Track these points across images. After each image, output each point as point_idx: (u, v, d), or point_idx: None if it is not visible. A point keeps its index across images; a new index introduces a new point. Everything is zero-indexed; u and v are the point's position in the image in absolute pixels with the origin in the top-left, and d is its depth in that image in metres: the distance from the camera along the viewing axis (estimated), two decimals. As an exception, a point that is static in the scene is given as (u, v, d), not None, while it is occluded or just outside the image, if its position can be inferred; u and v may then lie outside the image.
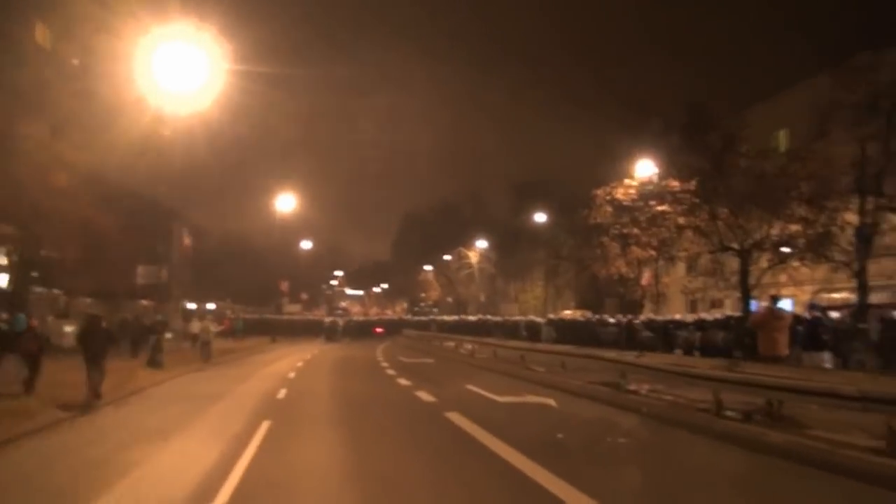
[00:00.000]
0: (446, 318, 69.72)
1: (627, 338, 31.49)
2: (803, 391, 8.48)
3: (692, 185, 33.19)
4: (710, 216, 31.89)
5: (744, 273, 32.19)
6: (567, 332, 38.67)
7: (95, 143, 24.83)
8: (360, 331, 63.68)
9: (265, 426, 10.89)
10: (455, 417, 11.54)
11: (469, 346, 29.47)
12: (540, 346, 22.64)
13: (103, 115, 23.26)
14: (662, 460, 8.71)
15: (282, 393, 15.84)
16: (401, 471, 8.12)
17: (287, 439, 10.07)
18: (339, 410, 13.31)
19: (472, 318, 59.22)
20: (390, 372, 21.93)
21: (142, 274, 24.01)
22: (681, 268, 49.65)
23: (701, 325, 28.72)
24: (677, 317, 33.79)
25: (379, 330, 65.82)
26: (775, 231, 31.84)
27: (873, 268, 26.10)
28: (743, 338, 25.09)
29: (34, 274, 32.80)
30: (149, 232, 24.42)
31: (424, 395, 14.79)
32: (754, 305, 35.12)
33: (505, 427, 10.55)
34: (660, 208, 35.66)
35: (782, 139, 38.50)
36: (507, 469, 7.85)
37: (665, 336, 30.01)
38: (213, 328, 29.33)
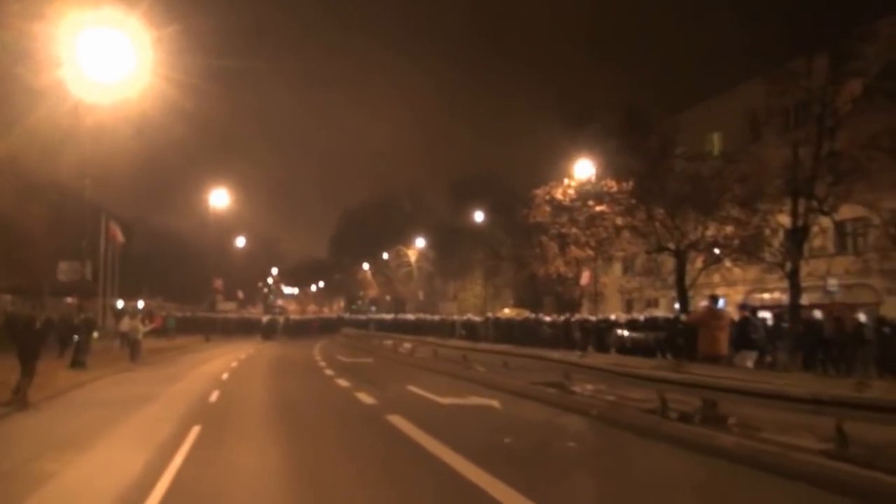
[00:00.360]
0: (385, 316, 69.17)
1: (565, 337, 31.59)
2: (753, 393, 8.36)
3: (629, 185, 33.62)
4: (647, 217, 32.29)
5: (680, 273, 32.71)
6: (506, 331, 38.74)
7: (12, 130, 23.38)
8: (299, 329, 62.74)
9: (195, 431, 10.28)
10: (396, 420, 11.11)
11: (409, 346, 29.04)
12: (481, 345, 22.39)
13: (21, 98, 21.89)
14: (612, 465, 8.47)
15: (214, 395, 15.11)
16: (339, 479, 7.67)
17: (218, 446, 9.48)
18: (275, 414, 12.72)
19: (411, 316, 58.77)
20: (329, 372, 21.35)
21: (63, 270, 22.75)
22: (618, 268, 50.37)
23: (633, 325, 28.98)
24: (612, 317, 34.07)
25: (316, 325, 65.33)
26: (710, 232, 32.50)
27: (805, 268, 26.79)
28: (675, 338, 25.29)
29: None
30: (75, 227, 23.07)
31: (364, 397, 14.30)
32: (691, 305, 35.82)
33: (448, 430, 10.20)
34: (598, 208, 35.99)
35: (716, 142, 39.32)
36: (452, 476, 7.48)
37: (598, 336, 30.16)
38: (143, 327, 28.17)
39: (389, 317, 65.98)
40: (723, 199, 30.60)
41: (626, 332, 26.21)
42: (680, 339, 23.29)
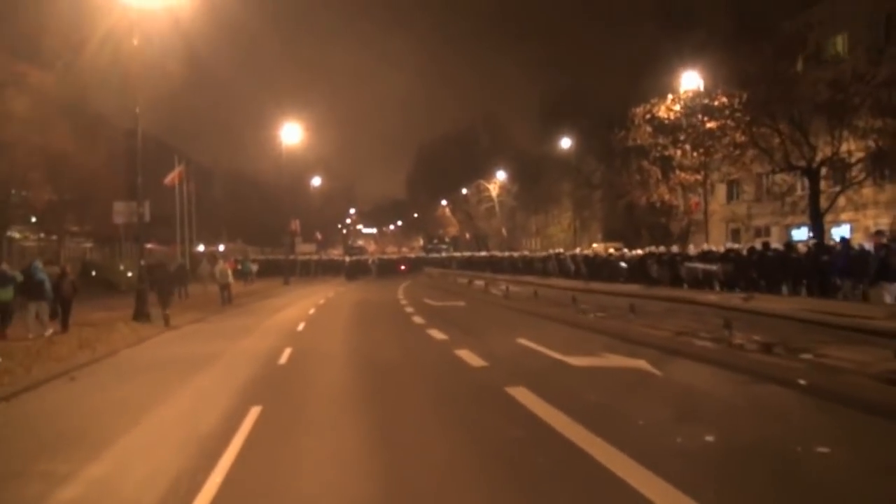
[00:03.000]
0: (470, 254, 66.13)
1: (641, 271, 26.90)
2: None
3: (745, 97, 29.11)
4: (773, 130, 27.88)
5: (814, 195, 28.29)
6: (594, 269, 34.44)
7: (59, 60, 21.05)
8: (384, 269, 61.03)
9: (252, 415, 7.54)
10: (522, 396, 8.06)
11: (504, 287, 26.00)
12: (596, 285, 19.10)
13: (66, 18, 19.43)
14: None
15: (285, 355, 12.42)
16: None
17: (279, 442, 6.63)
18: (358, 386, 9.78)
19: (499, 254, 55.00)
20: (418, 320, 18.49)
21: (119, 211, 20.44)
22: (721, 193, 45.68)
23: (706, 257, 23.88)
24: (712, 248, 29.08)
25: (403, 268, 63.02)
26: (847, 147, 27.90)
27: None
28: (748, 270, 19.91)
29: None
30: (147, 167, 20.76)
31: (468, 356, 11.27)
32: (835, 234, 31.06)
33: (603, 414, 7.11)
34: (710, 125, 31.61)
35: (840, 45, 33.98)
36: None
37: (671, 268, 25.34)
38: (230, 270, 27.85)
39: (478, 255, 62.89)
40: (864, 106, 26.01)
41: (699, 265, 21.70)
42: (753, 271, 19.01)
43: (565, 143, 51.75)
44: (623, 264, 30.94)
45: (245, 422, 7.33)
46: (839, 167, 28.05)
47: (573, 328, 15.06)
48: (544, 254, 46.48)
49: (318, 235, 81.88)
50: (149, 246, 53.33)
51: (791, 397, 7.80)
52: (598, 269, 31.32)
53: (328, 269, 63.75)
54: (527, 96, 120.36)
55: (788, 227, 39.92)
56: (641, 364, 9.96)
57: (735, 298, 11.63)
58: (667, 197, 37.18)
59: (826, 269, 17.09)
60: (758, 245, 22.63)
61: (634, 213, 43.44)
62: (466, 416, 7.54)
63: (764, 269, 18.67)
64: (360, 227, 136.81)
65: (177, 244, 47.46)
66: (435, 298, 26.65)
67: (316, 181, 76.05)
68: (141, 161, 20.47)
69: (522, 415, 7.28)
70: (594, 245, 50.83)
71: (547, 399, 7.75)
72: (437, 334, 14.75)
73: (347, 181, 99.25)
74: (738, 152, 29.39)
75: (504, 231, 74.16)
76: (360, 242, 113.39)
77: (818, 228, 27.79)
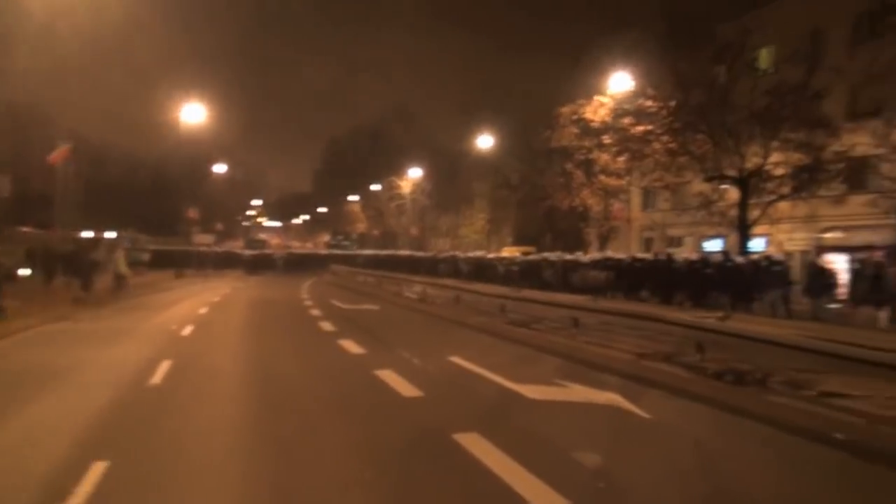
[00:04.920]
0: (375, 252, 63.45)
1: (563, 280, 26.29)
2: None
3: (675, 102, 28.06)
4: (707, 137, 26.86)
5: (743, 206, 27.46)
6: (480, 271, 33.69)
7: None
8: (291, 265, 57.71)
9: (93, 477, 5.06)
10: (481, 450, 5.87)
11: (420, 289, 23.81)
12: (531, 293, 17.19)
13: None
14: None
15: (160, 371, 9.77)
16: None
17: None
18: (249, 425, 7.29)
19: (418, 253, 52.49)
20: (327, 326, 16.01)
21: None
22: (636, 201, 45.08)
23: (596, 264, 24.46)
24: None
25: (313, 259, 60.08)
26: (774, 158, 27.19)
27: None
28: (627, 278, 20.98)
29: None
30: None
31: (395, 381, 8.97)
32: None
33: (614, 497, 5.02)
34: (640, 128, 30.46)
35: (767, 57, 33.59)
36: None
37: (564, 274, 25.58)
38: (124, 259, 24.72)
39: (384, 253, 60.36)
40: (795, 118, 25.33)
41: (592, 272, 22.24)
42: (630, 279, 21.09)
43: (486, 141, 50.08)
44: (514, 267, 30.55)
45: (77, 492, 4.84)
46: (768, 178, 27.31)
47: (511, 343, 12.99)
48: (447, 254, 44.63)
49: (219, 226, 77.50)
50: (24, 229, 48.42)
51: (839, 461, 5.93)
52: (483, 270, 30.98)
53: (227, 263, 59.74)
54: (448, 91, 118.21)
55: (702, 238, 39.59)
56: (615, 399, 7.96)
57: (709, 318, 9.83)
58: (589, 201, 35.95)
59: (705, 280, 17.28)
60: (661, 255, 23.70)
61: (554, 217, 42.18)
62: (408, 488, 5.26)
63: (640, 278, 19.81)
64: (263, 220, 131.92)
65: (57, 228, 43.05)
66: (344, 300, 24.17)
67: (219, 168, 71.76)
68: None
69: (490, 489, 5.07)
70: (505, 249, 49.39)
71: (516, 457, 5.60)
72: (351, 347, 12.35)
73: (253, 171, 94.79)
74: (668, 158, 28.27)
75: (415, 230, 72.09)
76: (263, 236, 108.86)
77: (745, 239, 26.97)
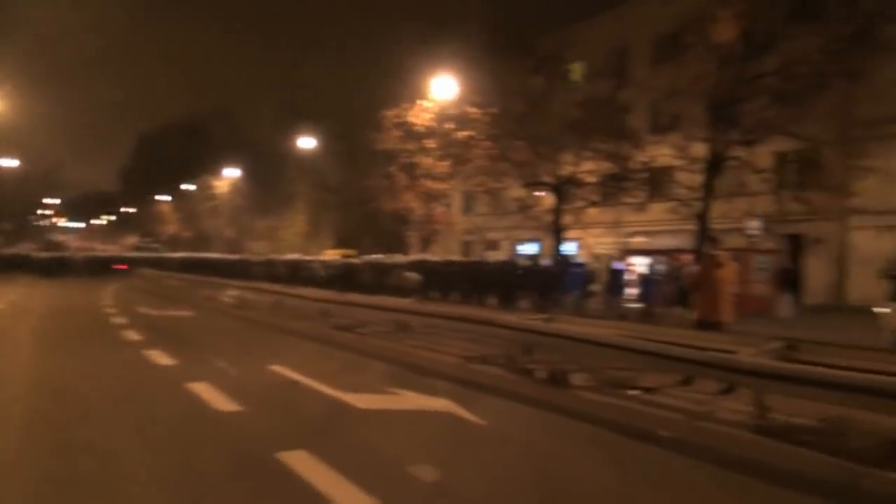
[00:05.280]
0: (192, 255, 59.94)
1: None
2: None
3: (496, 110, 28.93)
4: (528, 145, 27.80)
5: (558, 211, 28.71)
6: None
7: None
8: (95, 268, 52.74)
9: None
10: (311, 471, 5.30)
11: (237, 294, 22.50)
12: (356, 297, 16.63)
13: None
14: None
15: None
16: None
17: None
18: (37, 464, 6.27)
19: (236, 257, 50.14)
20: (131, 335, 14.51)
21: None
22: (456, 205, 46.07)
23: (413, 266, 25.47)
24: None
25: (121, 267, 55.15)
26: (589, 167, 28.72)
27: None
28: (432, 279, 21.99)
29: None
30: None
31: (210, 394, 8.10)
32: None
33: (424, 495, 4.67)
34: (462, 134, 31.05)
35: (578, 72, 35.56)
36: None
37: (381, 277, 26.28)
38: None
39: (197, 256, 57.15)
40: (605, 130, 26.89)
41: (408, 273, 23.06)
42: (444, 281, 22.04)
43: (307, 142, 48.91)
44: (331, 271, 30.61)
45: None
46: (580, 185, 28.73)
47: (337, 349, 12.40)
48: (264, 258, 43.19)
49: (6, 226, 69.97)
50: None
51: (665, 459, 5.98)
52: (299, 273, 30.77)
53: (18, 266, 53.89)
54: (270, 92, 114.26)
55: (518, 242, 41.15)
56: (447, 405, 7.66)
57: (535, 320, 9.87)
58: (412, 204, 36.06)
59: (513, 282, 18.31)
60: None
61: (376, 220, 41.97)
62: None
63: (450, 279, 20.55)
64: (62, 220, 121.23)
65: None
66: (153, 306, 22.33)
67: (8, 163, 64.70)
68: None
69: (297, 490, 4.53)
70: (326, 251, 48.62)
71: (349, 475, 5.10)
72: (160, 357, 11.19)
73: (49, 166, 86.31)
74: (489, 164, 28.95)
75: (230, 232, 69.17)
76: (62, 237, 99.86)
77: (559, 243, 28.23)
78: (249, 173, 62.36)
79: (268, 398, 8.23)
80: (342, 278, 28.42)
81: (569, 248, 32.12)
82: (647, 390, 7.98)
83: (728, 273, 9.46)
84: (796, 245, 25.79)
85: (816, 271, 25.61)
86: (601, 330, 9.07)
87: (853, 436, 5.70)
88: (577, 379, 8.70)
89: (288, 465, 5.46)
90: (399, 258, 27.67)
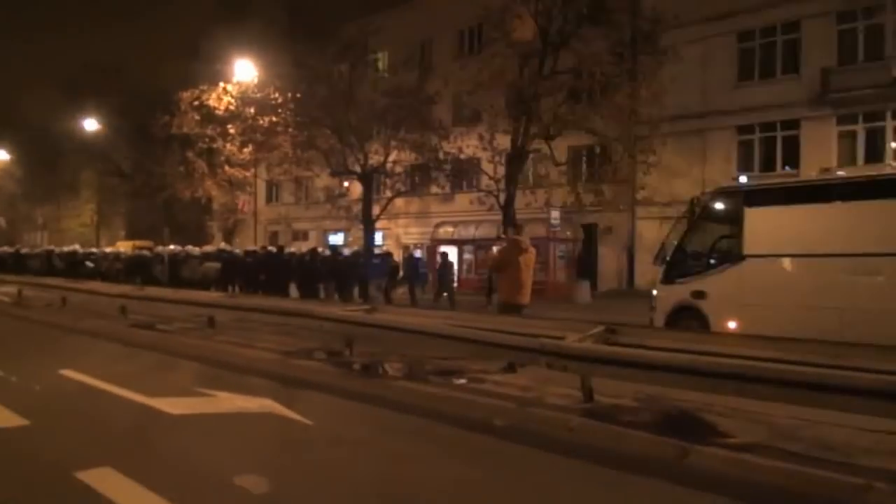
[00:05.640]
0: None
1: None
2: None
3: (297, 95, 28.21)
4: (332, 132, 27.37)
5: (367, 200, 28.59)
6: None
7: None
8: None
9: None
10: (110, 484, 4.77)
11: (14, 290, 20.17)
12: (155, 291, 15.39)
13: None
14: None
15: None
16: None
17: None
18: None
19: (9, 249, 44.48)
20: None
21: None
22: (261, 195, 44.69)
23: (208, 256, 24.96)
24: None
25: None
26: (394, 157, 28.91)
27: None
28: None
29: None
30: None
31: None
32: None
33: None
34: (267, 119, 29.90)
35: (382, 62, 35.76)
36: None
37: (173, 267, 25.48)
38: None
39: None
40: (412, 119, 27.24)
41: (210, 264, 22.88)
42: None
43: (91, 124, 44.69)
44: (90, 263, 29.21)
45: None
46: (388, 175, 28.84)
47: (138, 350, 11.40)
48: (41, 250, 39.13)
49: None
50: None
51: (500, 448, 6.03)
52: (77, 267, 28.64)
53: None
54: (48, 66, 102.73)
55: (327, 232, 40.59)
56: (268, 405, 7.26)
57: (357, 311, 9.68)
58: (214, 193, 34.32)
59: (313, 272, 19.46)
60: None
61: (173, 209, 39.46)
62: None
63: (252, 270, 20.72)
64: None
65: None
66: None
67: None
68: None
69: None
70: (119, 244, 45.03)
71: (165, 493, 4.62)
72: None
73: None
74: (295, 152, 28.16)
75: (2, 222, 61.93)
76: None
77: (370, 233, 28.16)
78: (24, 156, 55.96)
79: (60, 409, 7.37)
80: (128, 271, 26.39)
81: (376, 238, 32.12)
82: (479, 380, 8.09)
83: (530, 258, 9.74)
84: (590, 234, 27.62)
85: (608, 259, 27.59)
86: (426, 320, 9.06)
87: (672, 413, 6.10)
88: (403, 370, 8.65)
89: (91, 485, 4.85)
90: (194, 249, 26.19)
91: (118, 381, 8.30)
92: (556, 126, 21.61)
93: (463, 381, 7.96)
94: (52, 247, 39.06)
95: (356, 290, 19.61)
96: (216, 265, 22.61)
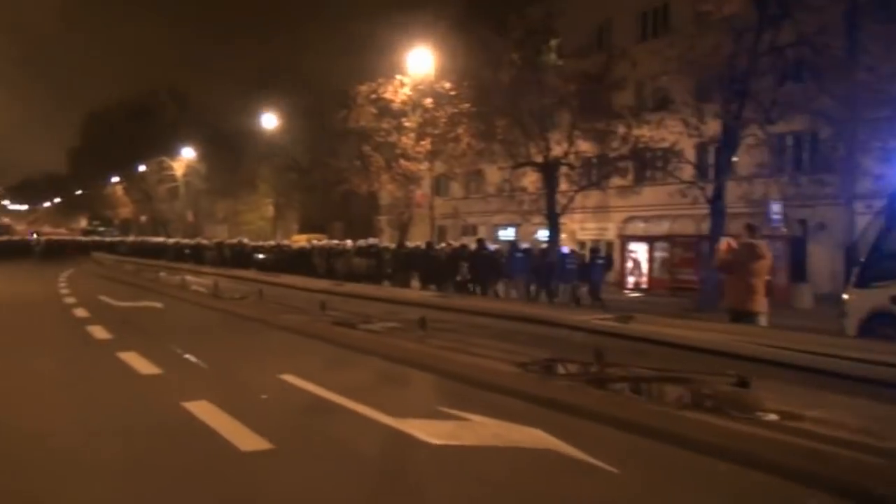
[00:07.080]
0: (148, 240, 56.79)
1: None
2: None
3: (472, 84, 27.10)
4: (515, 122, 26.07)
5: (552, 194, 27.02)
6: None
7: None
8: (51, 252, 50.10)
9: None
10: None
11: (211, 282, 20.42)
12: (356, 287, 14.79)
13: None
14: None
15: None
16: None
17: None
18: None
19: (206, 241, 46.98)
20: (99, 333, 12.39)
21: None
22: (426, 189, 44.21)
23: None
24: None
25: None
26: (580, 147, 27.14)
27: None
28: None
29: None
30: None
31: (218, 421, 6.24)
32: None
33: None
34: (447, 110, 29.08)
35: (561, 47, 33.87)
36: None
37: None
38: None
39: (154, 240, 54.22)
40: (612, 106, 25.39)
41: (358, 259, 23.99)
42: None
43: (270, 121, 46.24)
44: (260, 255, 30.66)
45: None
46: (574, 167, 27.13)
47: (351, 352, 10.50)
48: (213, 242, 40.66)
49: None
50: None
51: None
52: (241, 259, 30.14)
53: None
54: (230, 70, 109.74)
55: (497, 227, 39.42)
56: (541, 437, 5.85)
57: (608, 320, 8.20)
58: (389, 187, 34.13)
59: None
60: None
61: (349, 203, 39.89)
62: None
63: (403, 265, 21.26)
64: (6, 202, 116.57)
65: None
66: (116, 296, 20.08)
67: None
68: None
69: None
70: (294, 236, 46.28)
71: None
72: (138, 363, 9.20)
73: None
74: (480, 143, 27.13)
75: (190, 215, 66.11)
76: (6, 220, 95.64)
77: (555, 228, 26.56)
78: (208, 154, 59.26)
79: (299, 427, 6.42)
80: (284, 263, 27.16)
81: (541, 234, 30.42)
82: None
83: (764, 266, 8.58)
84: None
85: (820, 258, 24.59)
86: (696, 333, 7.43)
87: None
88: (685, 396, 7.09)
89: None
90: (348, 244, 26.64)
91: (350, 394, 7.26)
92: (776, 109, 19.11)
93: (772, 416, 6.25)
94: (220, 239, 40.84)
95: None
96: (364, 261, 23.04)
